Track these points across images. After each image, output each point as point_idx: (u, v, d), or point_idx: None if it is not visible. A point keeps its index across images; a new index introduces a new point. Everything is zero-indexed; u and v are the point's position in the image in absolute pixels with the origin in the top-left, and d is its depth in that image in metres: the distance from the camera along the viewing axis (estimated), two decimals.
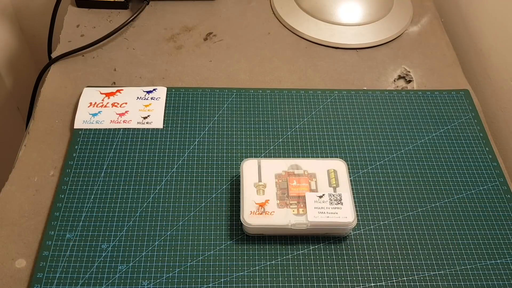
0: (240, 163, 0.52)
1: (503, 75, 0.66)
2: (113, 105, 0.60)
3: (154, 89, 0.62)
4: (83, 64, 0.66)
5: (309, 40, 0.71)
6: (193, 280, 0.47)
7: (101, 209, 0.51)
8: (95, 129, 0.58)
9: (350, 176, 0.53)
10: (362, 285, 0.47)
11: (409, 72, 0.67)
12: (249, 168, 0.51)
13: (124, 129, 0.58)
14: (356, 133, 0.59)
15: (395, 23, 0.73)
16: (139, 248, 0.49)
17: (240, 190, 0.50)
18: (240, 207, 0.49)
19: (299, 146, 0.58)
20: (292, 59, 0.69)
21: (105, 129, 0.58)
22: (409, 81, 0.66)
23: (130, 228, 0.50)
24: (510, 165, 0.63)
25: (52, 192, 0.53)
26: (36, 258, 0.48)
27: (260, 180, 0.51)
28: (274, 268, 0.48)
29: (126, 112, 0.60)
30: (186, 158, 0.56)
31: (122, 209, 0.52)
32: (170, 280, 0.47)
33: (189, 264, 0.48)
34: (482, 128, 0.60)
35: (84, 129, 0.58)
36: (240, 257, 0.48)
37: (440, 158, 0.57)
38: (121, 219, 0.51)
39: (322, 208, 0.48)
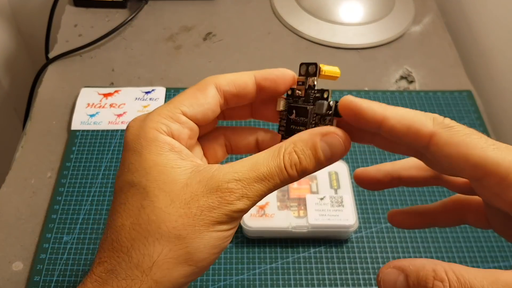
0: None
1: (507, 76, 0.65)
2: (111, 106, 0.59)
3: (152, 90, 0.62)
4: (80, 64, 0.66)
5: (310, 40, 0.70)
6: (192, 283, 0.46)
7: (98, 211, 0.51)
8: (93, 130, 0.57)
9: (351, 178, 0.53)
10: None
11: (411, 72, 0.67)
12: None
13: (122, 130, 0.58)
14: None
15: (396, 23, 0.72)
16: None
17: None
18: None
19: None
20: (293, 59, 0.68)
21: (103, 130, 0.57)
22: (411, 82, 0.66)
23: None
24: None
25: (49, 194, 0.52)
26: (33, 261, 0.47)
27: None
28: (274, 271, 0.47)
29: (124, 113, 0.59)
30: None
31: None
32: None
33: None
34: (485, 129, 0.60)
35: (82, 130, 0.57)
36: (240, 260, 0.48)
37: None
38: None
39: (323, 210, 0.48)
